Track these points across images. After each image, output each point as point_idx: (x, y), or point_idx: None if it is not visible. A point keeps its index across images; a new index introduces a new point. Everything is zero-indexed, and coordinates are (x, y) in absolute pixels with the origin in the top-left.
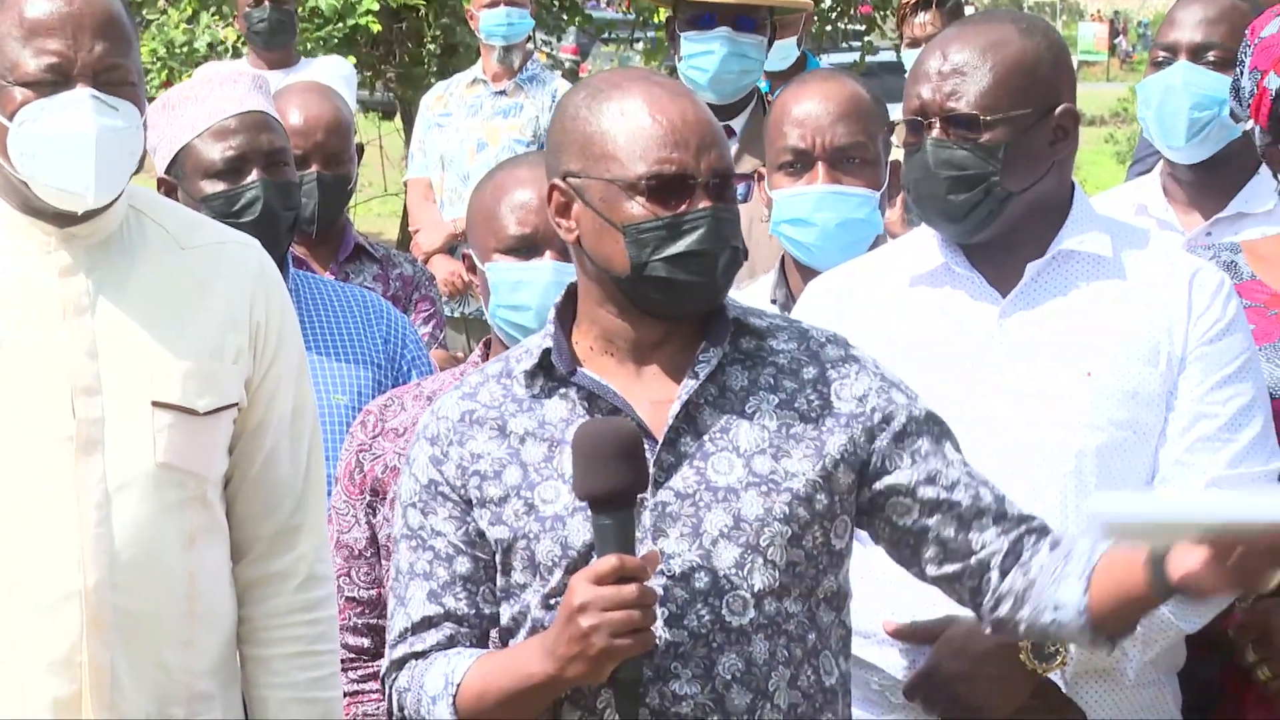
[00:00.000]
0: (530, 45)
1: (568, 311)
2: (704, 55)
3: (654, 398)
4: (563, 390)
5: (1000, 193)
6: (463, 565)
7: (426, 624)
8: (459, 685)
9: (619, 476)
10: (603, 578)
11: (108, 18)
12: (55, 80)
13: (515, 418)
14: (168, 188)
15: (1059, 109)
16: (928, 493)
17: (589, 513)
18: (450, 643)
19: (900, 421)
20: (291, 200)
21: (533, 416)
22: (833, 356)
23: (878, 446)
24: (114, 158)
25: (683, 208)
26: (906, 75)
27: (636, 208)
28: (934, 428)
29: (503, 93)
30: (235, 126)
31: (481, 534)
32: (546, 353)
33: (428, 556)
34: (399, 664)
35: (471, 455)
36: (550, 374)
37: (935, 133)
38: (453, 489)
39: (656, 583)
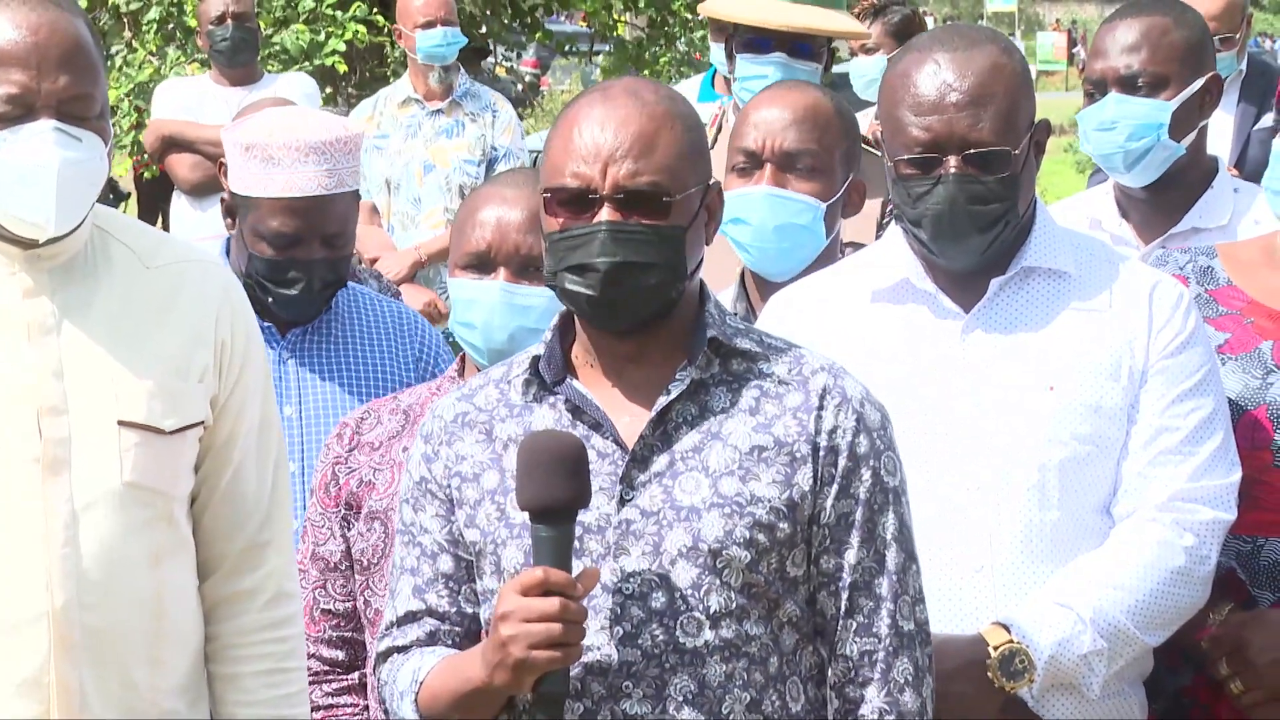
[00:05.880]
0: (459, 62)
1: (571, 318)
2: (757, 79)
3: (635, 412)
4: (552, 400)
5: (1016, 221)
6: (446, 564)
7: (410, 618)
8: (421, 683)
9: (559, 490)
10: (528, 589)
11: (74, 47)
12: (18, 112)
13: (504, 423)
14: (228, 207)
15: (1037, 124)
16: (825, 564)
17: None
18: (431, 639)
19: (848, 473)
20: (336, 274)
21: (519, 423)
22: (820, 386)
23: (823, 487)
24: (76, 189)
25: (582, 220)
26: (853, 86)
27: (552, 220)
28: (879, 496)
29: (439, 112)
30: (304, 208)
31: (463, 534)
32: (537, 360)
33: (416, 552)
34: (383, 656)
35: (457, 456)
36: (542, 382)
37: (954, 168)
38: (439, 487)
39: (613, 600)
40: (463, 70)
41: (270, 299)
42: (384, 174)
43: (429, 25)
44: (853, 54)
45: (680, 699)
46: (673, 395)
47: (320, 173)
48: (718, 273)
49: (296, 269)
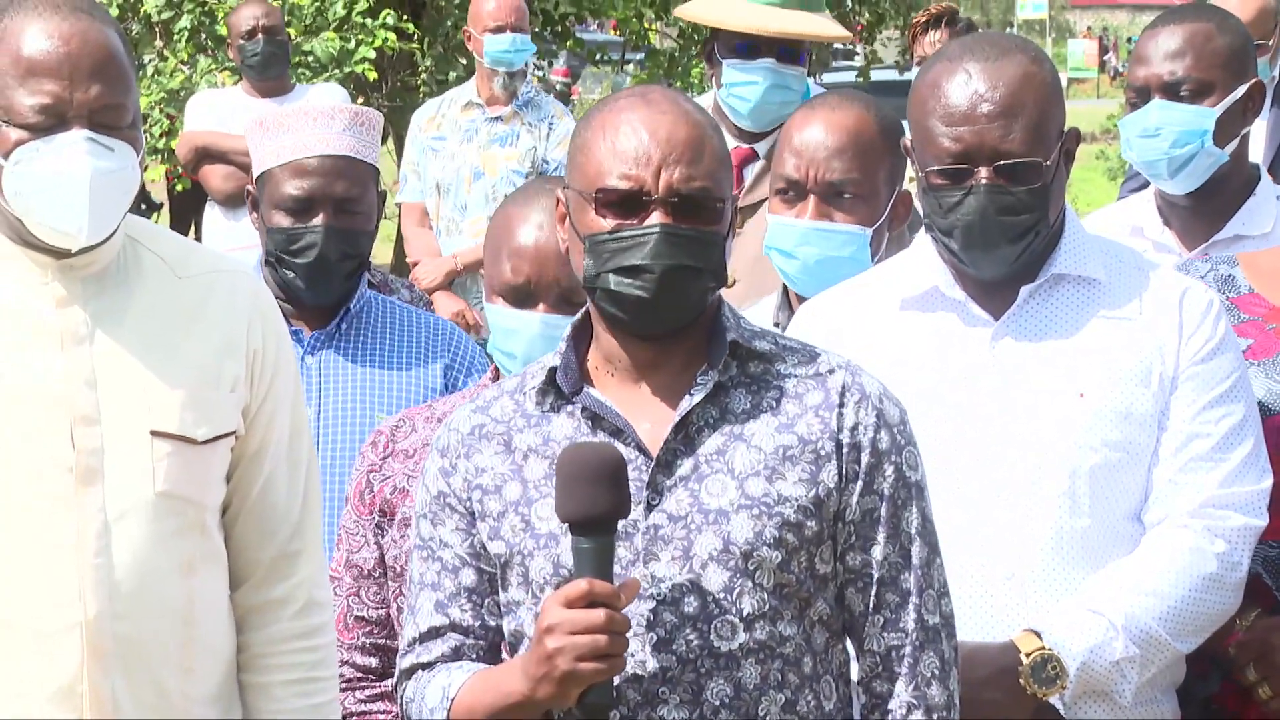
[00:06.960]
0: (526, 69)
1: (585, 328)
2: (747, 85)
3: (655, 418)
4: (569, 408)
5: (1046, 230)
6: (468, 577)
7: (433, 634)
8: (453, 699)
9: (599, 502)
10: (572, 601)
11: (106, 57)
12: (51, 122)
13: (522, 433)
14: (252, 200)
15: (1067, 132)
16: (852, 560)
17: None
18: (456, 654)
19: (871, 469)
20: (352, 246)
21: (538, 433)
22: (839, 383)
23: (847, 484)
24: (108, 198)
25: (632, 222)
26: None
27: (595, 220)
28: (902, 491)
29: (498, 119)
30: (313, 168)
31: (485, 547)
32: (554, 370)
33: (436, 567)
34: (407, 673)
35: (476, 469)
36: (559, 392)
37: (985, 178)
38: (459, 501)
39: (645, 607)
40: (529, 79)
41: (290, 273)
42: (436, 177)
43: (498, 30)
44: (918, 63)
45: (717, 703)
46: (696, 398)
47: (330, 134)
48: (756, 284)
49: (310, 235)
